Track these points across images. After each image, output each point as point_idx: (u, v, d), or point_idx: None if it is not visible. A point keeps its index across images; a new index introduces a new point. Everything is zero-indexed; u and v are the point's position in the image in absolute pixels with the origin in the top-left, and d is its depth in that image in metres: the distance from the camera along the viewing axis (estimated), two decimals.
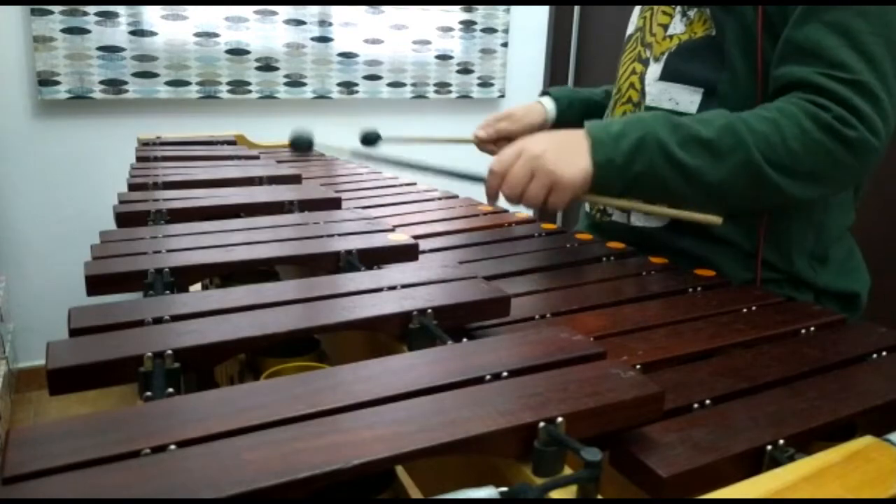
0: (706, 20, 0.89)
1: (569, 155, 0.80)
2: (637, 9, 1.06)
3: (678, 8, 0.94)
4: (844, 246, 0.95)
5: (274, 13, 2.33)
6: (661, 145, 0.78)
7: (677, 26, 0.93)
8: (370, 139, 1.11)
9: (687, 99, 0.91)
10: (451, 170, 0.99)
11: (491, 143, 1.22)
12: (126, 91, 2.18)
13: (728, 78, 0.88)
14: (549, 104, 1.21)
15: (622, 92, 1.02)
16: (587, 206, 1.08)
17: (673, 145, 0.78)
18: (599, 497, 0.39)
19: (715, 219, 0.80)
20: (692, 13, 0.92)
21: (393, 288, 0.65)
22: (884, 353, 0.62)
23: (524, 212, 1.16)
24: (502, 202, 0.89)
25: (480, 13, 2.64)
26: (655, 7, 0.99)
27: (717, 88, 0.88)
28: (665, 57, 0.94)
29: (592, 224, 1.07)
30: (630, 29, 1.07)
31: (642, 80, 0.97)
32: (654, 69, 0.95)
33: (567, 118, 1.20)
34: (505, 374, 0.47)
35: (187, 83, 2.26)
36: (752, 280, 0.90)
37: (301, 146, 1.12)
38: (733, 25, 0.87)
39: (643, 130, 0.79)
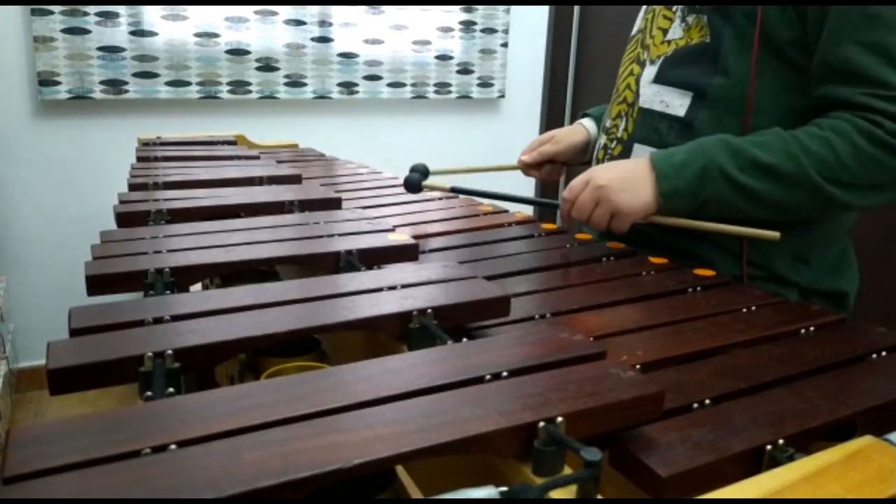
0: (703, 27, 0.92)
1: (632, 186, 0.87)
2: (643, 9, 1.07)
3: (678, 13, 0.96)
4: (836, 247, 0.97)
5: (274, 13, 2.33)
6: (723, 173, 0.83)
7: (676, 31, 0.96)
8: (416, 179, 1.13)
9: (677, 102, 0.94)
10: (532, 199, 1.12)
11: (535, 168, 1.22)
12: (126, 91, 2.18)
13: (721, 83, 0.90)
14: (589, 125, 1.21)
15: (619, 91, 1.04)
16: None
17: (735, 171, 0.83)
18: (599, 497, 0.39)
19: (773, 234, 0.84)
20: (690, 19, 0.94)
21: (393, 288, 0.65)
22: (883, 353, 0.62)
23: (523, 212, 1.17)
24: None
25: (480, 13, 2.64)
26: (657, 8, 1.01)
27: (707, 92, 0.91)
28: (661, 61, 0.97)
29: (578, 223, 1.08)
30: (634, 29, 1.08)
31: (638, 81, 1.00)
32: (650, 72, 0.98)
33: None
34: (505, 373, 0.47)
35: (187, 83, 2.26)
36: (739, 276, 0.93)
37: (413, 187, 1.12)
38: (729, 33, 0.89)
39: (706, 159, 0.84)
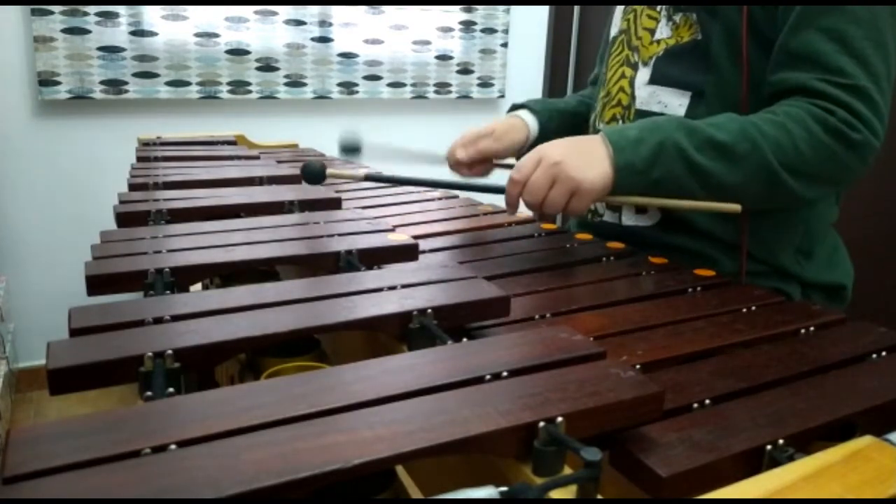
0: (692, 25, 0.91)
1: (588, 161, 0.81)
2: (618, 10, 1.06)
3: (663, 12, 0.95)
4: (829, 240, 0.97)
5: (274, 13, 2.33)
6: (679, 150, 0.80)
7: (664, 31, 0.95)
8: (351, 149, 1.02)
9: (675, 102, 0.93)
10: (470, 183, 0.99)
11: (466, 165, 1.08)
12: (126, 91, 2.19)
13: (714, 80, 0.90)
14: (528, 118, 1.12)
15: (612, 95, 1.02)
16: None
17: (691, 150, 0.80)
18: (599, 497, 0.39)
19: (734, 206, 0.81)
20: (678, 18, 0.93)
21: (393, 288, 0.65)
22: (884, 353, 0.62)
23: (524, 212, 1.16)
24: (522, 208, 0.90)
25: (480, 13, 2.64)
26: (639, 9, 1.00)
27: (704, 91, 0.90)
28: (653, 61, 0.96)
29: (583, 224, 1.07)
30: (613, 31, 1.07)
31: (632, 84, 0.99)
32: (643, 73, 0.97)
33: (548, 131, 1.13)
34: (505, 373, 0.47)
35: (187, 83, 2.26)
36: (737, 272, 0.92)
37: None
38: (719, 29, 0.89)
39: (662, 135, 0.81)
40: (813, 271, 0.94)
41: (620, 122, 1.00)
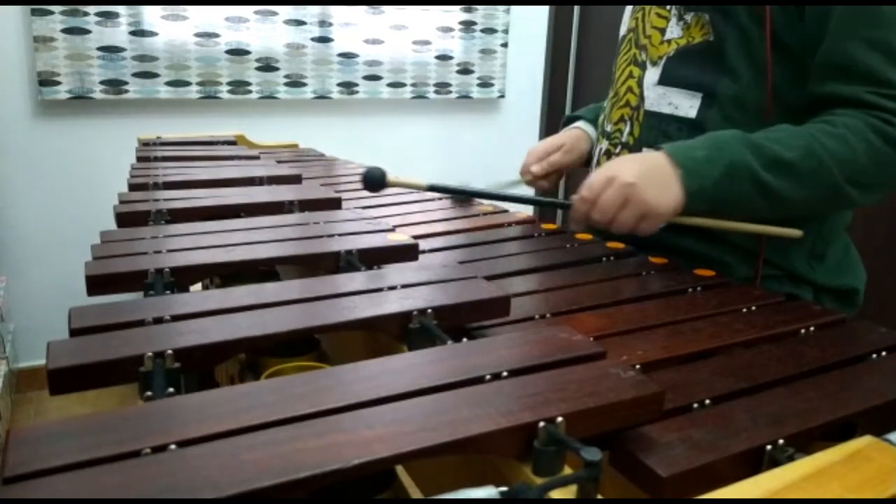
0: (704, 25, 0.90)
1: (660, 183, 0.80)
2: (628, 9, 1.06)
3: (673, 11, 0.94)
4: (841, 243, 0.97)
5: (274, 13, 2.33)
6: (749, 170, 0.80)
7: (674, 30, 0.94)
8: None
9: (686, 104, 0.92)
10: (535, 198, 0.99)
11: (542, 179, 1.14)
12: (126, 91, 2.18)
13: (728, 83, 0.89)
14: (588, 128, 1.16)
15: (620, 96, 1.02)
16: None
17: (760, 169, 0.80)
18: (599, 497, 0.39)
19: (796, 232, 0.83)
20: (689, 17, 0.92)
21: (393, 288, 0.65)
22: (884, 353, 0.62)
23: (524, 212, 1.16)
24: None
25: (480, 13, 2.64)
26: (647, 8, 0.99)
27: (717, 93, 0.89)
28: (663, 61, 0.95)
29: (594, 228, 1.06)
30: (623, 30, 1.07)
31: (640, 84, 0.97)
32: (653, 73, 0.96)
33: None
34: (505, 374, 0.47)
35: (187, 83, 2.26)
36: (752, 277, 0.91)
37: (373, 182, 0.95)
38: (732, 31, 0.88)
39: (730, 155, 0.80)
40: (825, 275, 0.93)
41: (629, 123, 0.98)
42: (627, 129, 0.99)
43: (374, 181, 0.94)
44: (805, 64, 0.86)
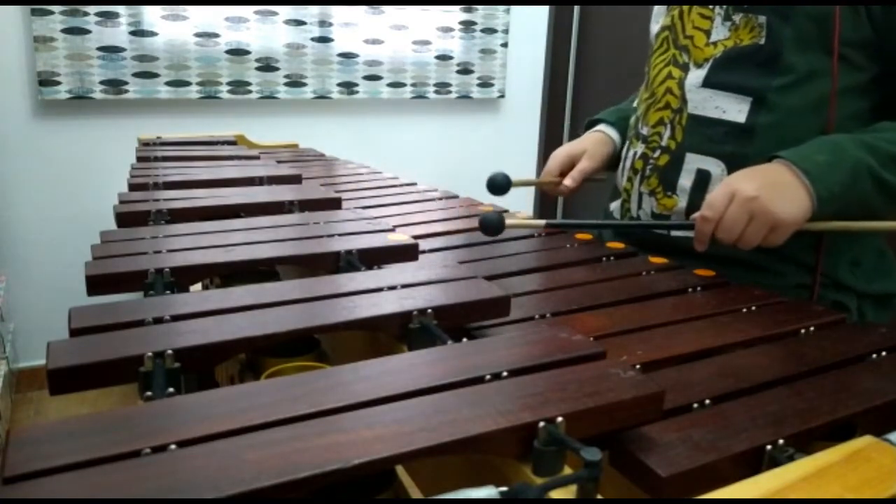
0: (754, 27, 0.88)
1: (783, 192, 0.78)
2: (658, 7, 1.03)
3: (718, 11, 0.91)
4: (876, 249, 0.95)
5: (274, 13, 2.33)
6: (870, 170, 0.79)
7: (720, 31, 0.91)
8: (499, 187, 1.01)
9: (735, 108, 0.89)
10: (658, 223, 0.97)
11: (571, 190, 1.10)
12: (126, 91, 2.18)
13: (782, 86, 0.86)
14: (610, 131, 1.13)
15: (657, 97, 0.98)
16: (616, 214, 1.06)
17: (879, 168, 0.79)
18: (599, 497, 0.39)
19: None
20: (737, 18, 0.89)
21: (393, 288, 0.65)
22: (884, 353, 0.62)
23: (523, 212, 1.16)
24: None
25: (480, 13, 2.64)
26: (686, 6, 0.96)
27: (767, 97, 0.87)
28: (709, 64, 0.92)
29: (622, 234, 1.05)
30: (655, 27, 1.03)
31: (682, 85, 0.94)
32: (696, 75, 0.92)
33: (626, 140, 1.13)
34: (505, 374, 0.47)
35: (187, 83, 2.26)
36: (805, 285, 0.91)
37: (490, 227, 0.90)
38: (791, 33, 0.85)
39: (851, 157, 0.79)
40: (864, 282, 0.92)
41: (669, 126, 0.95)
42: (668, 133, 0.95)
43: (492, 225, 0.91)
44: (861, 67, 0.84)
